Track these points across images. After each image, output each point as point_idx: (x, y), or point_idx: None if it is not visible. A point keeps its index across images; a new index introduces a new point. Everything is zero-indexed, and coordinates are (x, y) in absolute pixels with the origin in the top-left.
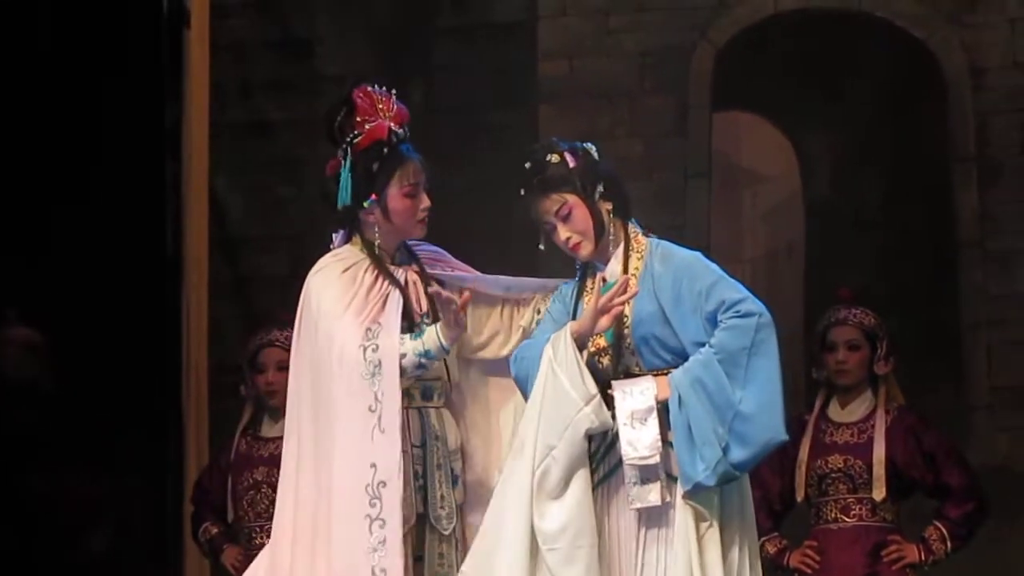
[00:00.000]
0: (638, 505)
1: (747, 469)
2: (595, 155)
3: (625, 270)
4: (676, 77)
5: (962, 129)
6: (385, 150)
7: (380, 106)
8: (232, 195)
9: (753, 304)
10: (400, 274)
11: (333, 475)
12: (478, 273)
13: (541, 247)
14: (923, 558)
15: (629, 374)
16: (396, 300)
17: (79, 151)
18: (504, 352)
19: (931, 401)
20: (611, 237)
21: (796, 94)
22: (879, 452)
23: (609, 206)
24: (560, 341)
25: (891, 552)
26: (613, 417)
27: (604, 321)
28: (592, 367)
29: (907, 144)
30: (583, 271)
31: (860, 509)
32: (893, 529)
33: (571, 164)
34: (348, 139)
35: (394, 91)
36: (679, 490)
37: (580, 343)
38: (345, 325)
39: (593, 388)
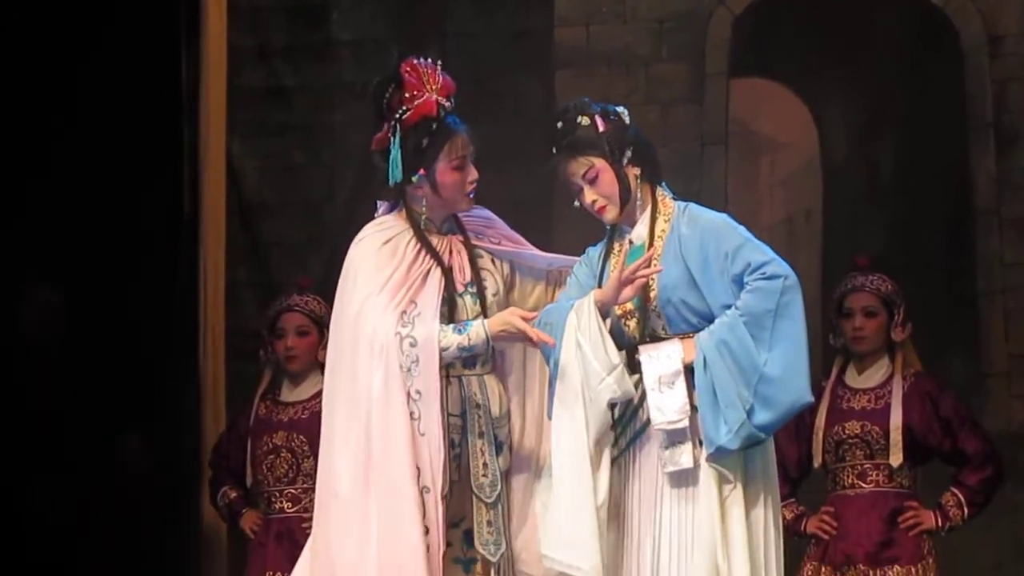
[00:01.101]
0: (671, 469)
1: (772, 431)
2: (626, 119)
3: (651, 233)
4: (693, 44)
5: (979, 96)
6: (434, 125)
7: (427, 80)
8: (248, 160)
9: (779, 266)
10: (444, 243)
11: (377, 469)
12: (525, 244)
13: (576, 204)
14: (940, 524)
15: (656, 338)
16: (437, 279)
17: (97, 115)
18: None
19: (947, 368)
20: (638, 201)
21: (814, 61)
22: (896, 418)
23: (637, 171)
24: (584, 309)
25: (908, 518)
26: (638, 384)
27: (628, 292)
28: (618, 331)
29: (924, 111)
30: (610, 234)
31: (877, 475)
32: (910, 495)
33: (601, 128)
34: (397, 115)
35: (439, 63)
36: (705, 452)
37: (603, 312)
38: (380, 305)
39: (616, 358)
